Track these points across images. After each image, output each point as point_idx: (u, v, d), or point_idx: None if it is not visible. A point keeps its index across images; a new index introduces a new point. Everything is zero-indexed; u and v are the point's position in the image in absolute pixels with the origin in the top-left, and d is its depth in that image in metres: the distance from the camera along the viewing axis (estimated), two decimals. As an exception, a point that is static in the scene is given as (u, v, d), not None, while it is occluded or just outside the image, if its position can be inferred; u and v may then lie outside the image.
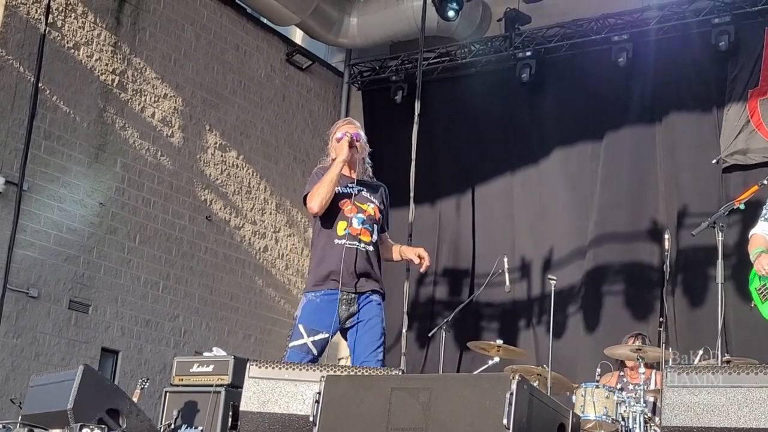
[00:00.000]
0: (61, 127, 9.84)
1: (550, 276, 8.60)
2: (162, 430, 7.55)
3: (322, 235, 5.42)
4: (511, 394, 4.07)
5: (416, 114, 10.97)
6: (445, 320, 8.64)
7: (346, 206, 5.33)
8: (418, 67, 10.88)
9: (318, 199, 5.30)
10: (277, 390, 4.97)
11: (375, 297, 5.40)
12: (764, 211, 5.87)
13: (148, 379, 8.13)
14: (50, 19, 9.75)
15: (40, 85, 9.58)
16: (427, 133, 11.42)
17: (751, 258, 5.77)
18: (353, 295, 5.32)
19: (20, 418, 6.50)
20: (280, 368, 5.04)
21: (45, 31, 9.67)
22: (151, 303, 10.59)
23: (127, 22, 10.63)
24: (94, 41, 10.24)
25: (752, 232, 5.87)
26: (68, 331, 9.72)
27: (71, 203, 9.87)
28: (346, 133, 5.43)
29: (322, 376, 4.68)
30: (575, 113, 11.63)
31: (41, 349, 9.45)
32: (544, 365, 7.87)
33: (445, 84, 12.64)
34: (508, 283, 8.52)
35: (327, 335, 5.35)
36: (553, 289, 8.38)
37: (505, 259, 8.48)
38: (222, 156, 11.64)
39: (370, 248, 5.41)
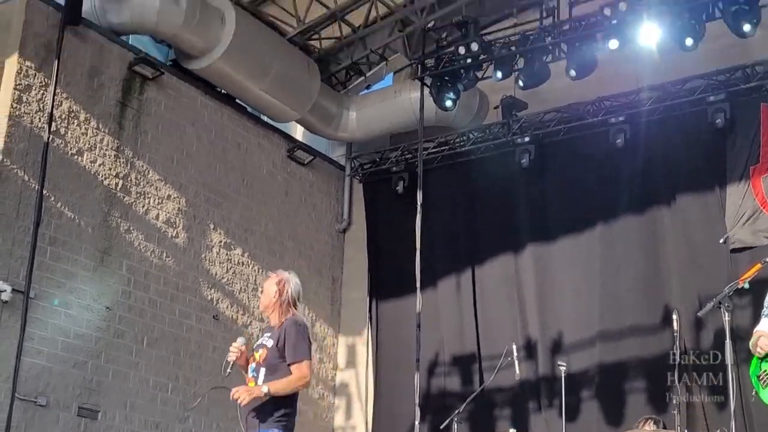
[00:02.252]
0: (66, 233, 9.89)
1: (559, 362, 8.57)
2: None
3: None
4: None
5: (419, 204, 11.06)
6: (457, 411, 8.61)
7: (250, 361, 5.97)
8: (419, 158, 10.97)
9: None
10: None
11: None
12: (765, 309, 5.83)
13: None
14: (53, 127, 9.86)
15: (44, 192, 9.65)
16: (428, 222, 11.47)
17: (750, 346, 5.77)
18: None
19: None
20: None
21: (48, 138, 9.77)
22: (161, 405, 10.50)
23: (129, 126, 10.76)
24: (97, 146, 10.35)
25: (756, 329, 5.83)
26: (77, 438, 9.63)
27: (78, 308, 9.86)
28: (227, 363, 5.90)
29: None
30: (577, 196, 11.66)
31: (51, 458, 9.35)
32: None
33: (445, 172, 12.71)
34: (518, 371, 8.50)
35: None
36: (563, 374, 8.34)
37: (514, 347, 8.48)
38: (227, 254, 11.67)
39: None
